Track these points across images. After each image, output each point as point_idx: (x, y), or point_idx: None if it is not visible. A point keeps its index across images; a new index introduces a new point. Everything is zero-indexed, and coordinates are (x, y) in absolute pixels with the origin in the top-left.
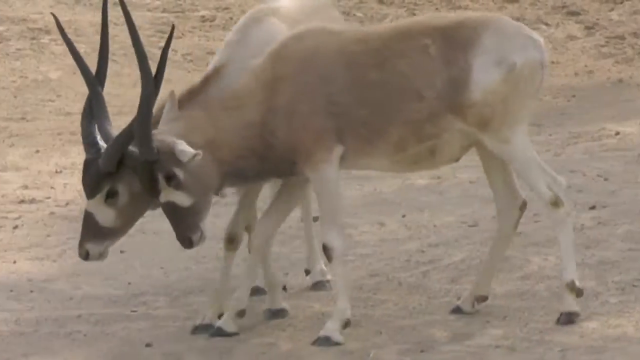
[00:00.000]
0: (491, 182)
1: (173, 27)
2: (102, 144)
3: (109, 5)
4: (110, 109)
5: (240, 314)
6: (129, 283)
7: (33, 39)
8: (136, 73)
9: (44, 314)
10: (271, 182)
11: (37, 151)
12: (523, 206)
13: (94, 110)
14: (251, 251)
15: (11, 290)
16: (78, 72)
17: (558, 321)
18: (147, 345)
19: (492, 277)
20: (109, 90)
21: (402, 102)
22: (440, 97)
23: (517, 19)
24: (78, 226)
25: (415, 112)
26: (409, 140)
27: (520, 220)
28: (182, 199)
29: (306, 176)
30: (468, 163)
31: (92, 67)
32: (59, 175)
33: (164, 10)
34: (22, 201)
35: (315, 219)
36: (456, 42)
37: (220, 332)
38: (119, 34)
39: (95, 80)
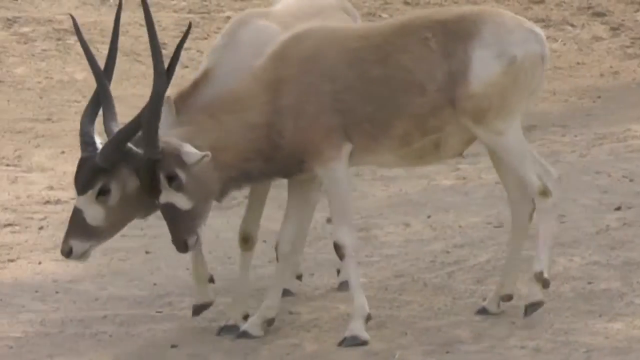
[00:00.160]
0: (502, 177)
1: (190, 25)
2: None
3: (134, 6)
4: (135, 111)
5: (270, 322)
6: (155, 284)
7: (59, 39)
8: None
9: (69, 314)
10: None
11: (63, 152)
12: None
13: (103, 109)
14: (279, 258)
15: (36, 291)
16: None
17: (525, 312)
18: (173, 346)
19: (517, 274)
20: (134, 92)
21: (406, 97)
22: (442, 90)
23: (543, 20)
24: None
25: (418, 106)
26: (414, 135)
27: (533, 214)
28: (182, 202)
29: (315, 174)
30: None
31: (120, 67)
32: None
33: (189, 11)
34: (48, 202)
35: (329, 220)
36: (456, 35)
37: (246, 336)
38: (143, 35)
39: (105, 80)
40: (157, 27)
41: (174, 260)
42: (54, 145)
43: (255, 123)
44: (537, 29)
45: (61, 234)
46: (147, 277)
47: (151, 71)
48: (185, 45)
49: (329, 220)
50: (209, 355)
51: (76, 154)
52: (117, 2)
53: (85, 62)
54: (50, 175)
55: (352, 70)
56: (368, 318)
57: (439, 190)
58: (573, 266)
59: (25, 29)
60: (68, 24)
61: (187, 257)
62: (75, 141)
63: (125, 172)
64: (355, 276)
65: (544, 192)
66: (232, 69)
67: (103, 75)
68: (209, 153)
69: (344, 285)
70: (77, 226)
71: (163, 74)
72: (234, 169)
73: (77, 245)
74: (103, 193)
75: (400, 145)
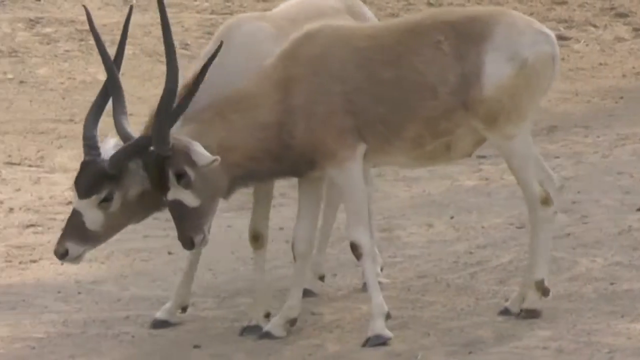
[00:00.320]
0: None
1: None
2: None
3: (157, 7)
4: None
5: (292, 322)
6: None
7: (81, 40)
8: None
9: (92, 315)
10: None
11: None
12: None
13: (113, 103)
14: (296, 258)
15: (59, 292)
16: (126, 73)
17: (518, 315)
18: (195, 346)
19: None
20: (157, 92)
21: (418, 99)
22: (454, 93)
23: (566, 21)
24: (126, 228)
25: (430, 108)
26: (426, 137)
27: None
28: (190, 199)
29: (328, 174)
30: None
31: (138, 68)
32: None
33: (212, 12)
34: (70, 203)
35: None
36: (468, 37)
37: (268, 336)
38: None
39: (119, 78)
40: (180, 28)
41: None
42: (77, 146)
43: (265, 122)
44: (547, 30)
45: None
46: (169, 277)
47: None
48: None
49: None
50: (231, 356)
51: None
52: (140, 4)
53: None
54: (72, 176)
55: (362, 72)
56: (387, 316)
57: (461, 191)
58: (595, 267)
59: (47, 30)
60: None
61: (210, 258)
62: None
63: (128, 180)
64: (372, 275)
65: (545, 201)
66: (221, 72)
67: (115, 69)
68: (218, 157)
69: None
70: (75, 229)
71: (176, 73)
72: (242, 168)
73: (72, 247)
74: (106, 199)
75: (413, 147)
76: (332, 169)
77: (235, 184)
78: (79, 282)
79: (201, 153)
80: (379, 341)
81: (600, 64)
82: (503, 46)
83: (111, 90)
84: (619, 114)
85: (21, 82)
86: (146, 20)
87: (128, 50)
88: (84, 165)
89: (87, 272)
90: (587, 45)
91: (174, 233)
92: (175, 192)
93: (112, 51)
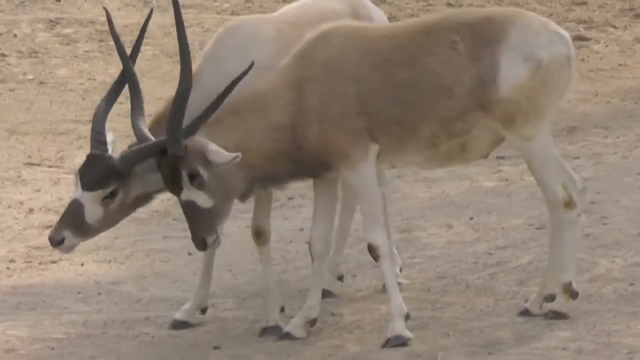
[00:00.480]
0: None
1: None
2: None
3: None
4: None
5: (312, 323)
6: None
7: (101, 41)
8: None
9: (112, 316)
10: None
11: None
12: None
13: (131, 103)
14: (313, 258)
15: (79, 293)
16: (147, 74)
17: (545, 316)
18: (215, 347)
19: (558, 273)
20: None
21: (433, 100)
22: (469, 94)
23: (585, 22)
24: (146, 228)
25: (445, 109)
26: (441, 137)
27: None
28: (203, 200)
29: (342, 175)
30: None
31: (158, 69)
32: None
33: (232, 13)
34: None
35: None
36: (484, 38)
37: (288, 337)
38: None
39: (137, 79)
40: (200, 29)
41: (216, 262)
42: None
43: (279, 123)
44: (563, 31)
45: (104, 236)
46: (189, 278)
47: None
48: None
49: None
50: (251, 357)
51: None
52: (160, 4)
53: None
54: None
55: (377, 73)
56: (407, 317)
57: (481, 192)
58: (615, 268)
59: (67, 31)
60: None
61: (230, 259)
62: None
63: (133, 180)
64: (390, 276)
65: (569, 204)
66: (217, 75)
67: (133, 70)
68: (239, 154)
69: None
70: (74, 219)
71: (190, 72)
72: (258, 169)
73: (69, 237)
74: (110, 196)
75: (427, 147)
76: (345, 170)
77: (253, 185)
78: (99, 282)
79: (219, 152)
80: (399, 342)
81: (620, 64)
82: (518, 47)
83: (130, 90)
84: (638, 114)
85: (41, 82)
86: (166, 21)
87: (148, 51)
88: (91, 159)
89: (107, 273)
90: (606, 46)
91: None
92: (189, 193)
93: (129, 51)
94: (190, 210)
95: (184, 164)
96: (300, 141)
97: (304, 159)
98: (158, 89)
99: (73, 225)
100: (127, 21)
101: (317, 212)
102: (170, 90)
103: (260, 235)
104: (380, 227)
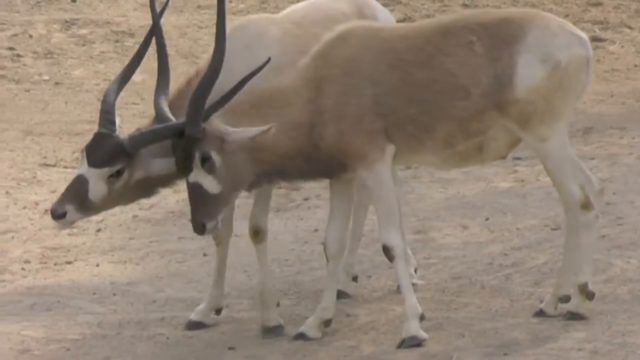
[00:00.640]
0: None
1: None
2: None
3: (192, 9)
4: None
5: (327, 323)
6: None
7: (117, 41)
8: None
9: (127, 316)
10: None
11: None
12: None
13: (158, 87)
14: (328, 259)
15: (94, 293)
16: None
17: (562, 318)
18: (230, 348)
19: (573, 274)
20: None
21: (450, 100)
22: (486, 94)
23: (601, 23)
24: (161, 229)
25: (462, 109)
26: (457, 137)
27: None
28: (211, 185)
29: (359, 176)
30: None
31: (174, 70)
32: None
33: (247, 14)
34: None
35: None
36: (501, 38)
37: (303, 338)
38: (202, 37)
39: (167, 60)
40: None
41: (231, 263)
42: None
43: (297, 121)
44: (581, 32)
45: (119, 237)
46: (204, 279)
47: None
48: None
49: None
50: (266, 357)
51: None
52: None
53: (143, 64)
54: None
55: (394, 73)
56: (421, 317)
57: (496, 193)
58: (630, 268)
59: (83, 31)
60: (126, 26)
61: (244, 260)
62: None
63: (139, 162)
64: (405, 277)
65: (586, 205)
66: (224, 73)
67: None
68: (274, 124)
69: None
70: (78, 194)
71: (222, 55)
72: (270, 165)
73: (71, 212)
74: (116, 175)
75: (444, 147)
76: (362, 170)
77: (262, 179)
78: (114, 283)
79: (240, 131)
80: (414, 342)
81: (636, 65)
82: (536, 48)
83: (159, 70)
84: None
85: (57, 83)
86: (181, 22)
87: None
88: (99, 136)
89: (122, 274)
90: (622, 46)
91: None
92: (198, 175)
93: (147, 52)
94: (196, 193)
95: (198, 146)
96: (317, 140)
97: (320, 158)
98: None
99: (76, 200)
100: (143, 22)
101: (333, 213)
102: None
103: (258, 233)
104: (396, 228)
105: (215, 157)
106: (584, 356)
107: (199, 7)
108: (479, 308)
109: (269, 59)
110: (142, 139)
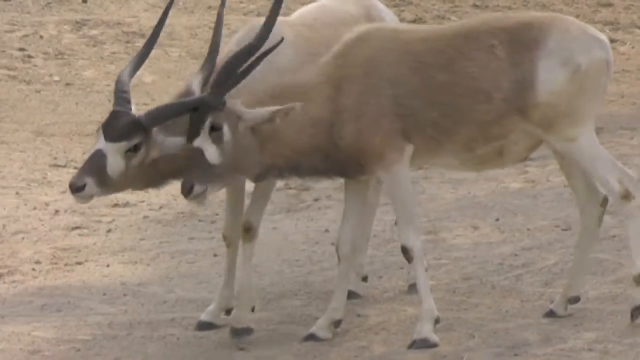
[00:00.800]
0: (570, 181)
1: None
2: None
3: (203, 9)
4: None
5: (337, 324)
6: None
7: (127, 42)
8: None
9: (137, 317)
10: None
11: None
12: (604, 202)
13: (205, 62)
14: (340, 259)
15: (104, 294)
16: (172, 75)
17: (631, 317)
18: (241, 349)
19: (584, 277)
20: None
21: (471, 104)
22: (507, 98)
23: (612, 23)
24: (172, 230)
25: (483, 113)
26: (478, 141)
27: (602, 216)
28: (212, 154)
29: (377, 177)
30: None
31: (184, 70)
32: None
33: (258, 14)
34: (116, 205)
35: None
36: (522, 43)
37: (314, 339)
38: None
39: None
40: (226, 30)
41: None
42: None
43: (317, 118)
44: (601, 35)
45: (130, 237)
46: (215, 279)
47: None
48: None
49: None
50: (277, 358)
51: None
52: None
53: (153, 65)
54: None
55: (415, 75)
56: (437, 321)
57: (507, 193)
58: None
59: (94, 32)
60: (137, 27)
61: (255, 260)
62: None
63: (155, 140)
64: (423, 278)
65: (626, 196)
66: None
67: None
68: (297, 104)
69: (412, 288)
70: (96, 168)
71: (267, 35)
72: (285, 159)
73: (90, 185)
74: (133, 149)
75: (464, 150)
76: (380, 171)
77: (271, 172)
78: (125, 284)
79: (258, 110)
80: (424, 345)
81: None
82: (557, 52)
83: (210, 48)
84: None
85: (67, 84)
86: (192, 22)
87: (174, 52)
88: (115, 114)
89: (133, 274)
90: (632, 47)
91: (219, 235)
92: (202, 141)
93: (159, 53)
94: (195, 157)
95: (213, 115)
96: (336, 139)
97: (337, 157)
98: None
99: (95, 173)
100: (154, 22)
101: (347, 213)
102: None
103: (249, 230)
104: (414, 230)
105: (226, 130)
106: (595, 357)
107: (209, 7)
108: (490, 308)
109: (282, 39)
110: (159, 114)
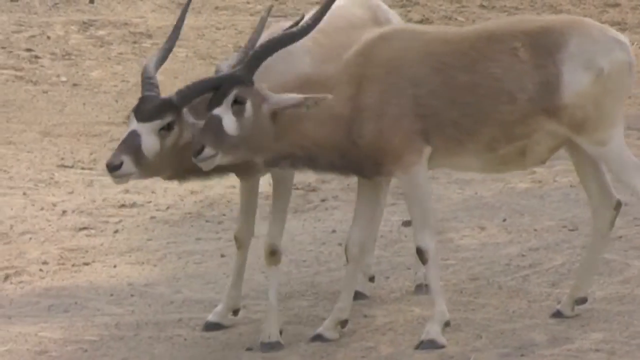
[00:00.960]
0: (584, 183)
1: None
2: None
3: (210, 10)
4: None
5: (343, 324)
6: None
7: (135, 43)
8: None
9: (145, 318)
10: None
11: None
12: (617, 206)
13: (249, 42)
14: (349, 260)
15: (111, 295)
16: (179, 76)
17: None
18: (248, 349)
19: (591, 278)
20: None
21: (494, 104)
22: (532, 99)
23: (619, 23)
24: (179, 230)
25: (507, 113)
26: (500, 141)
27: (615, 220)
28: (230, 124)
29: (396, 178)
30: (569, 167)
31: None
32: (159, 179)
33: None
34: (123, 205)
35: (407, 223)
36: (544, 46)
37: (320, 339)
38: (220, 38)
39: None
40: (233, 31)
41: (249, 264)
42: None
43: (338, 114)
44: (622, 37)
45: (137, 238)
46: (222, 280)
47: None
48: None
49: (404, 224)
50: (283, 358)
51: None
52: (193, 6)
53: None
54: None
55: (438, 76)
56: (447, 324)
57: (514, 194)
58: None
59: (101, 33)
60: (144, 27)
61: (262, 260)
62: None
63: (187, 122)
64: (436, 281)
65: None
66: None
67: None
68: (329, 96)
69: (419, 289)
70: (132, 146)
71: (312, 28)
72: (303, 150)
73: (127, 163)
74: (167, 128)
75: (486, 150)
76: (398, 172)
77: (285, 161)
78: (132, 284)
79: (285, 95)
80: (432, 346)
81: None
82: (578, 56)
83: (248, 42)
84: None
85: (74, 84)
86: (199, 23)
87: (181, 52)
88: (145, 98)
89: (140, 275)
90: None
91: (226, 236)
92: (223, 110)
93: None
94: (212, 123)
95: (240, 88)
96: (355, 138)
97: (356, 156)
98: None
99: (131, 151)
100: (161, 23)
101: (357, 215)
102: None
103: (275, 254)
104: (430, 231)
105: (248, 106)
106: (602, 357)
107: (216, 8)
108: (497, 309)
109: (303, 15)
110: (189, 92)
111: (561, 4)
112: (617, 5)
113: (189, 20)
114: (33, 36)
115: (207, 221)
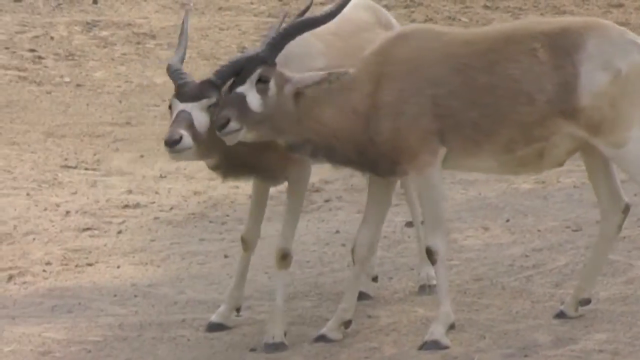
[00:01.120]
0: (595, 186)
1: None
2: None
3: (214, 10)
4: None
5: (347, 324)
6: None
7: (138, 43)
8: None
9: (148, 318)
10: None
11: (142, 156)
12: (626, 209)
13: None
14: (355, 261)
15: (115, 295)
16: None
17: None
18: (252, 350)
19: (595, 280)
20: None
21: (513, 105)
22: (551, 101)
23: (622, 24)
24: (182, 231)
25: (526, 114)
26: (519, 142)
27: (623, 223)
28: (254, 101)
29: (410, 178)
30: (572, 168)
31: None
32: (163, 180)
33: (269, 15)
34: (127, 206)
35: (409, 224)
36: (562, 47)
37: (324, 340)
38: (224, 39)
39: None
40: (237, 31)
41: (253, 264)
42: (133, 149)
43: (357, 109)
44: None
45: (140, 238)
46: (225, 281)
47: None
48: None
49: (407, 224)
50: (287, 359)
51: (155, 158)
52: (197, 7)
53: (164, 66)
54: (129, 179)
55: (456, 76)
56: (452, 326)
57: (517, 194)
58: None
59: (104, 33)
60: (147, 28)
61: (266, 261)
62: (154, 144)
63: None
64: (444, 282)
65: None
66: None
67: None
68: (350, 70)
69: (423, 289)
70: (187, 121)
71: (333, 16)
72: (321, 138)
73: (186, 137)
74: (215, 106)
75: (503, 151)
76: (412, 172)
77: (306, 146)
78: (135, 285)
79: (307, 74)
80: (435, 347)
81: None
82: (596, 57)
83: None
84: None
85: (78, 85)
86: (203, 23)
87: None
88: (183, 84)
89: (143, 275)
90: None
91: (230, 236)
92: (247, 89)
93: (169, 54)
94: (236, 99)
95: (264, 68)
96: (373, 135)
97: (373, 153)
98: None
99: (187, 126)
100: (164, 23)
101: (367, 217)
102: None
103: (286, 257)
104: (442, 233)
105: (272, 85)
106: (606, 358)
107: (220, 8)
108: (500, 309)
109: (312, 1)
110: (226, 70)
111: (565, 4)
112: (620, 5)
113: (192, 20)
114: (36, 37)
115: (210, 222)
